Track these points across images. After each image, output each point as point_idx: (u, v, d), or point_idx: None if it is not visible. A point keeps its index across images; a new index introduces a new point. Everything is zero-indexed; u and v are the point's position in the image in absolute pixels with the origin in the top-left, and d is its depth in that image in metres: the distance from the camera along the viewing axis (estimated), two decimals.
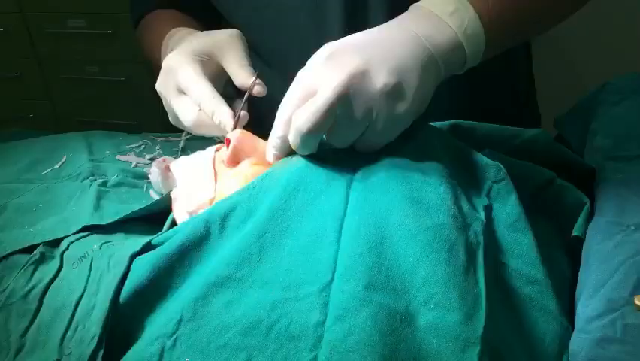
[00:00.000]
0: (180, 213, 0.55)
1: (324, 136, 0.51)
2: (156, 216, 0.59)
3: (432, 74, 0.51)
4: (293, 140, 0.49)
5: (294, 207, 0.47)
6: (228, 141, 0.56)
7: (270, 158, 0.53)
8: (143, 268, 0.47)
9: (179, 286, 0.46)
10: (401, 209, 0.46)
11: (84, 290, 0.49)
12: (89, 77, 1.63)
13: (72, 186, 0.64)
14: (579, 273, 0.51)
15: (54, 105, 1.71)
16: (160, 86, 0.62)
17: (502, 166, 0.53)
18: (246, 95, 0.59)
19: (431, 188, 0.48)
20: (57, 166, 0.68)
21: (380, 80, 0.48)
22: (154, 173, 0.67)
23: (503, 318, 0.44)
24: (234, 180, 0.54)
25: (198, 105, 0.58)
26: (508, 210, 0.51)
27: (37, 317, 0.49)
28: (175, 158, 0.70)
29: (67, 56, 1.61)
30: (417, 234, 0.44)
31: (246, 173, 0.54)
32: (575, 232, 0.54)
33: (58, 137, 0.74)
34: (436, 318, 0.41)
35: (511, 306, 0.46)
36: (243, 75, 0.60)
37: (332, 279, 0.43)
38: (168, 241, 0.48)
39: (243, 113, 0.58)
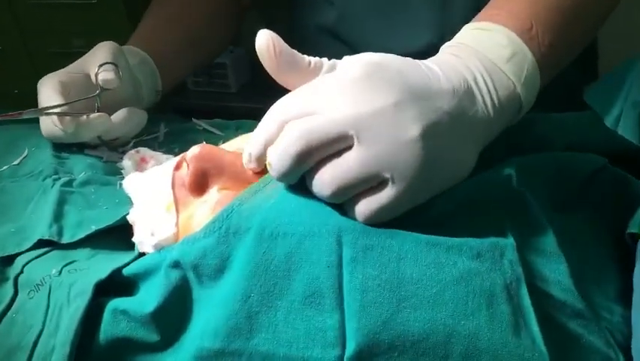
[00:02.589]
0: (142, 241, 0.46)
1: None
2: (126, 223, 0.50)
3: (479, 136, 0.42)
4: (277, 160, 0.38)
5: (277, 258, 0.37)
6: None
7: (246, 166, 0.44)
8: (118, 321, 0.40)
9: (167, 347, 0.40)
10: (417, 257, 0.36)
11: (42, 328, 0.41)
12: (76, 50, 1.53)
13: (31, 187, 0.54)
14: (634, 276, 0.42)
15: None
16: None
17: (515, 179, 0.43)
18: (97, 91, 0.64)
19: (442, 223, 0.39)
20: (16, 162, 0.59)
21: (413, 130, 0.36)
22: (127, 166, 0.58)
23: None
24: (199, 210, 0.44)
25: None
26: (530, 229, 0.41)
27: None
28: (153, 149, 0.62)
29: (52, 28, 1.50)
30: (443, 291, 0.35)
31: (210, 201, 0.44)
32: (630, 229, 0.44)
33: (20, 127, 0.65)
34: None
35: (559, 348, 0.37)
36: (94, 72, 0.65)
37: (342, 355, 0.35)
38: (144, 297, 0.41)
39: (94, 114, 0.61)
